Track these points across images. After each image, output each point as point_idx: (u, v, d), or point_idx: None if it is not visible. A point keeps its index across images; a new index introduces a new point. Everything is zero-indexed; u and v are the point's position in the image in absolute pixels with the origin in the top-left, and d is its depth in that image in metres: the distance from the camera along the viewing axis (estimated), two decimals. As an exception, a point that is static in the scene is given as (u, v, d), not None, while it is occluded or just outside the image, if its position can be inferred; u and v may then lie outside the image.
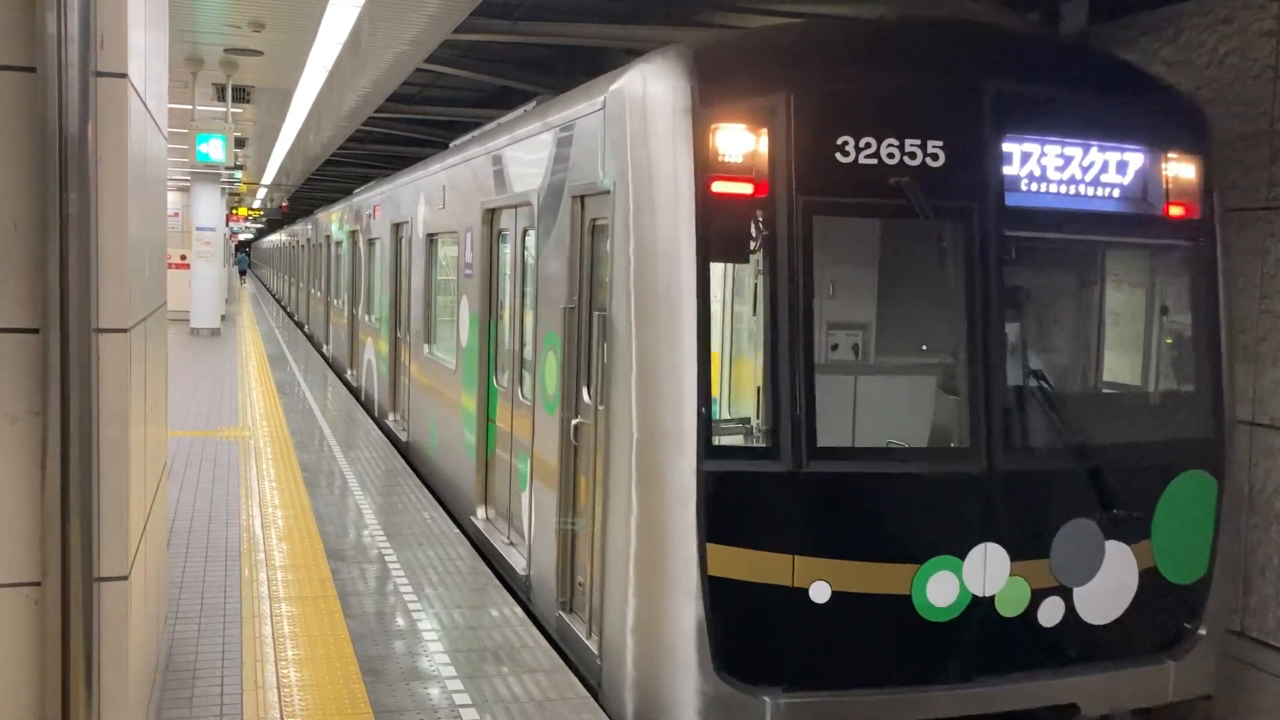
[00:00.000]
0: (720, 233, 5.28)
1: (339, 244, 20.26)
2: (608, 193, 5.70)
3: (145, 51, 4.22)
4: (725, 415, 6.37)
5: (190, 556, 7.59)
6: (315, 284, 26.21)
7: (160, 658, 5.36)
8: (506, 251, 8.33)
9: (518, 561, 7.52)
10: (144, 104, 4.16)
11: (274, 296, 48.40)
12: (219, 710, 5.15)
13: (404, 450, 12.14)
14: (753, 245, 5.37)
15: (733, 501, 5.24)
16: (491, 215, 8.59)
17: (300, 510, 9.02)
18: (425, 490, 10.06)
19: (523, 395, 7.64)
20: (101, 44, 3.55)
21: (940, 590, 5.42)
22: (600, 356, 5.86)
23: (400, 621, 6.45)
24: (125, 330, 3.71)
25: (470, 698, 5.42)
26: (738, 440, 5.62)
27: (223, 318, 27.78)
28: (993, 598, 5.52)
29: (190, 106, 14.46)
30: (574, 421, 6.26)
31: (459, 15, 9.13)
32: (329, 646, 6.00)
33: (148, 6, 4.29)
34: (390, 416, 13.63)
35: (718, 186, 5.25)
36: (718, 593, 5.17)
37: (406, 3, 8.76)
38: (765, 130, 5.30)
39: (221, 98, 14.34)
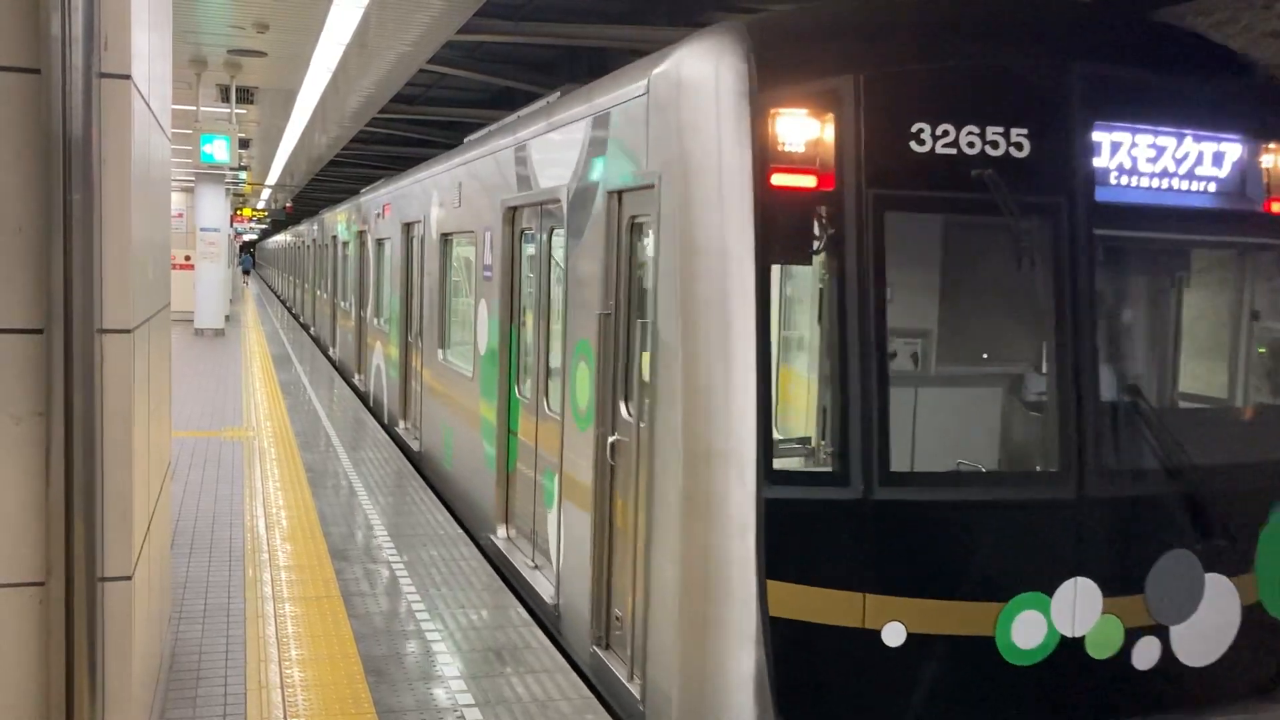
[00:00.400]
0: (781, 231, 4.72)
1: (346, 244, 19.63)
2: (652, 187, 5.15)
3: (149, 53, 4.23)
4: (783, 435, 5.64)
5: (194, 557, 7.60)
6: (321, 285, 25.29)
7: (164, 658, 5.38)
8: (531, 252, 7.78)
9: (544, 588, 6.96)
10: (147, 105, 4.18)
11: (278, 298, 48.28)
12: (222, 710, 5.16)
13: (416, 460, 11.63)
14: (816, 245, 4.82)
15: (796, 533, 4.69)
16: (513, 213, 8.00)
17: (304, 511, 9.04)
18: (430, 491, 10.05)
19: (549, 407, 7.11)
20: (105, 45, 3.56)
21: (1026, 631, 4.88)
22: (641, 368, 5.44)
23: (404, 622, 6.46)
24: (129, 331, 3.72)
25: (473, 698, 5.43)
26: (801, 464, 5.09)
27: (227, 318, 27.82)
28: (1083, 638, 4.97)
29: (194, 107, 14.48)
30: (610, 438, 5.78)
31: (462, 16, 9.15)
32: (333, 647, 6.01)
33: (151, 8, 4.30)
34: (401, 424, 13.07)
35: (778, 179, 4.70)
36: (780, 635, 4.63)
37: (410, 3, 8.77)
38: (831, 116, 4.75)
39: (225, 99, 14.36)
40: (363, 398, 16.24)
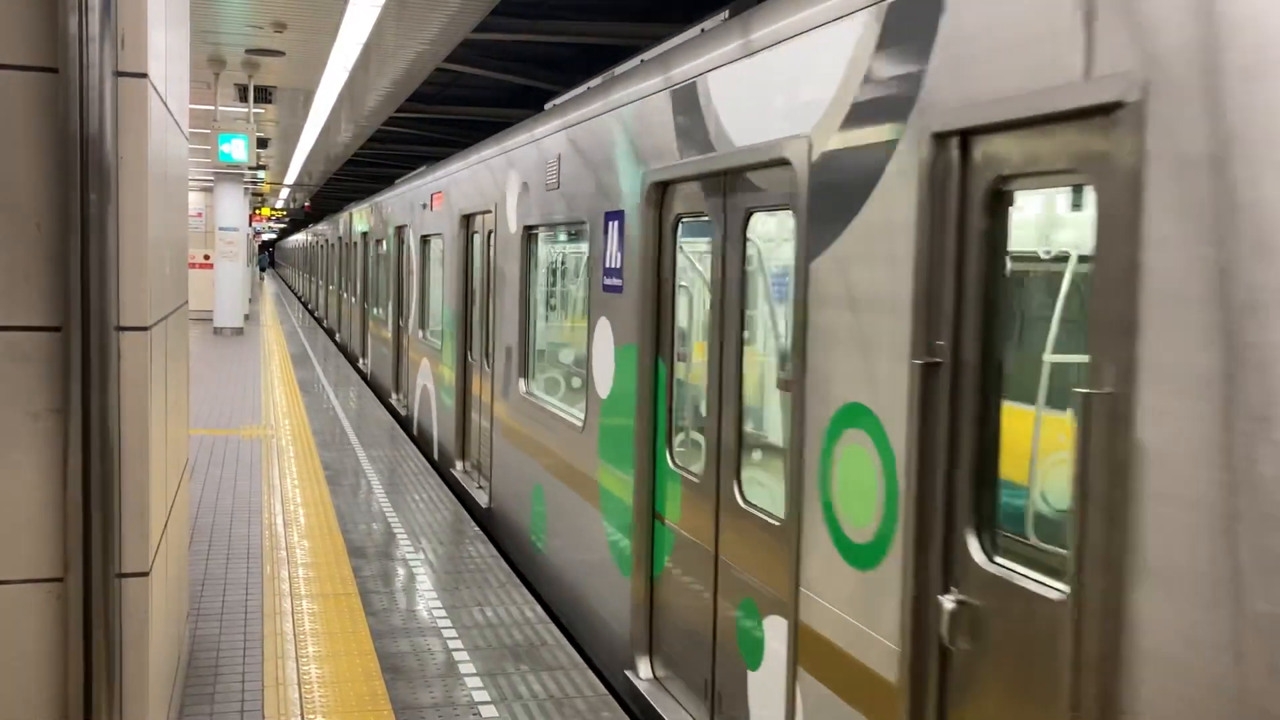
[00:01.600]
0: None
1: (380, 242, 17.16)
2: (1112, 108, 2.56)
3: (166, 52, 4.25)
4: None
5: (212, 554, 7.64)
6: (348, 289, 22.84)
7: (182, 654, 5.40)
8: (704, 251, 5.21)
9: None
10: (164, 104, 4.19)
11: (299, 299, 47.22)
12: (240, 706, 5.18)
13: (486, 521, 9.16)
14: None
15: None
16: (664, 192, 5.47)
17: (322, 508, 9.07)
18: (448, 490, 10.06)
19: (744, 499, 4.64)
20: (122, 44, 3.58)
21: None
22: (1035, 476, 3.22)
23: (421, 619, 6.48)
24: (145, 329, 3.74)
25: (489, 695, 5.44)
26: None
27: (246, 317, 27.95)
28: None
29: (213, 107, 14.56)
30: (947, 602, 3.17)
31: (478, 14, 9.16)
32: (350, 643, 6.03)
33: (169, 7, 4.31)
34: (459, 465, 10.50)
35: None
36: None
37: (426, 2, 8.79)
38: None
39: (244, 98, 14.44)
40: (405, 424, 13.91)
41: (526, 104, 15.87)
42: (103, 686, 3.61)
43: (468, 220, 10.30)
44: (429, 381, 12.06)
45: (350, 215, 23.13)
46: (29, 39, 3.49)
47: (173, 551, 4.66)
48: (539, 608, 6.75)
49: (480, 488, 9.59)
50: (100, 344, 3.53)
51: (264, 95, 14.77)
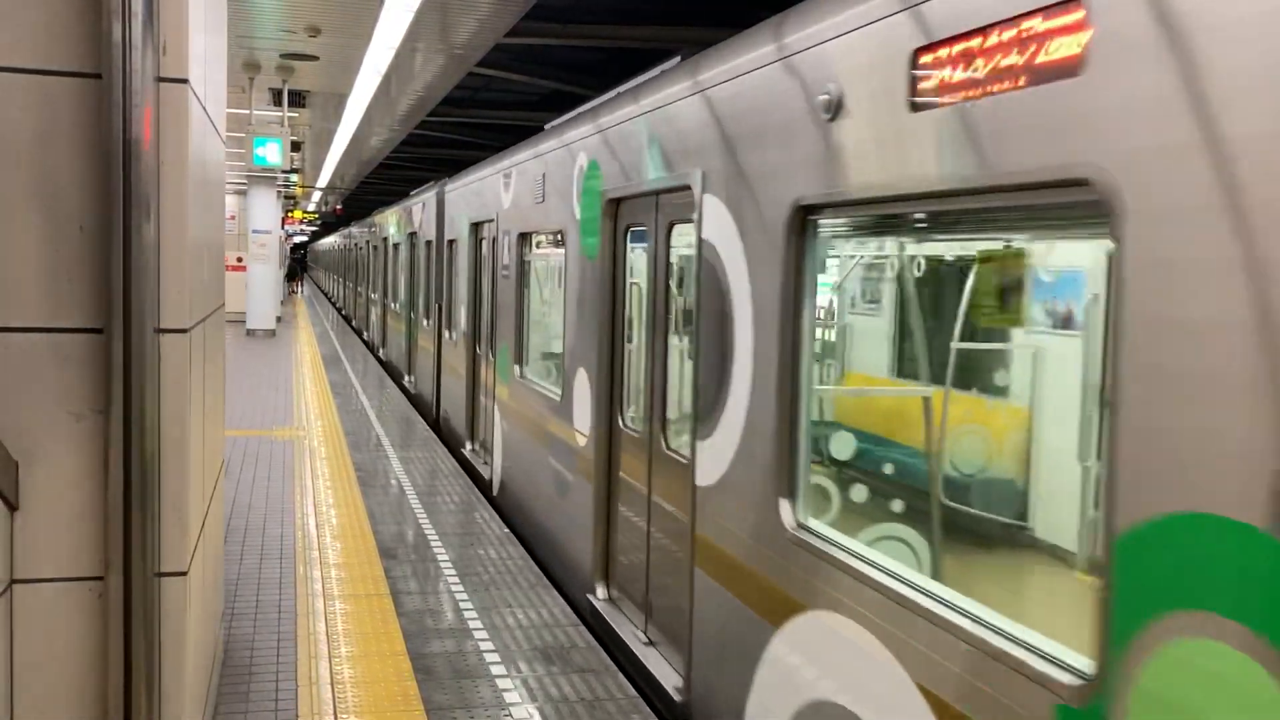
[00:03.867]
0: None
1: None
2: None
3: (205, 57, 4.30)
4: None
5: (246, 554, 7.71)
6: (422, 311, 15.82)
7: (217, 653, 5.45)
8: None
9: None
10: (204, 108, 4.24)
11: (339, 311, 41.80)
12: (274, 705, 5.23)
13: None
14: None
15: None
16: None
17: (353, 509, 9.13)
18: (477, 490, 10.06)
19: None
20: (164, 51, 3.62)
21: None
22: None
23: (451, 620, 6.51)
24: (185, 331, 3.79)
25: (520, 696, 5.46)
26: None
27: (279, 319, 28.16)
28: None
29: (248, 111, 14.69)
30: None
31: (510, 19, 9.20)
32: (382, 644, 6.07)
33: (208, 13, 4.37)
34: None
35: None
36: None
37: (459, 7, 8.84)
38: None
39: (278, 102, 14.56)
40: (591, 623, 6.87)
41: (560, 108, 15.90)
42: (142, 684, 3.65)
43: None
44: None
45: (426, 207, 15.26)
46: (74, 46, 3.55)
47: (209, 551, 4.71)
48: (570, 609, 6.76)
49: None
50: (141, 346, 3.57)
51: (298, 99, 14.90)
